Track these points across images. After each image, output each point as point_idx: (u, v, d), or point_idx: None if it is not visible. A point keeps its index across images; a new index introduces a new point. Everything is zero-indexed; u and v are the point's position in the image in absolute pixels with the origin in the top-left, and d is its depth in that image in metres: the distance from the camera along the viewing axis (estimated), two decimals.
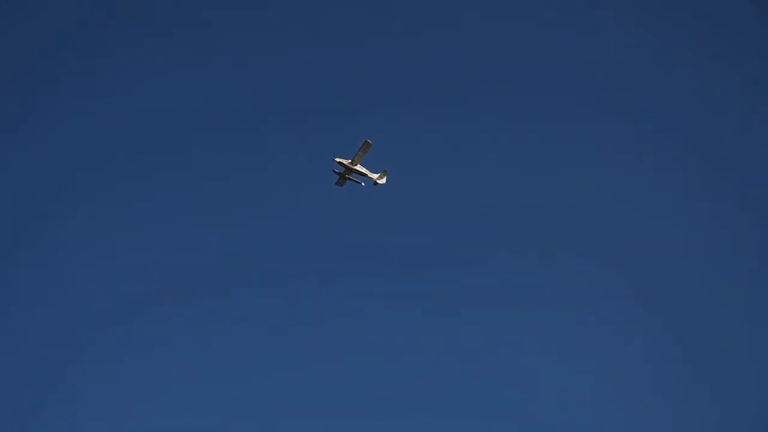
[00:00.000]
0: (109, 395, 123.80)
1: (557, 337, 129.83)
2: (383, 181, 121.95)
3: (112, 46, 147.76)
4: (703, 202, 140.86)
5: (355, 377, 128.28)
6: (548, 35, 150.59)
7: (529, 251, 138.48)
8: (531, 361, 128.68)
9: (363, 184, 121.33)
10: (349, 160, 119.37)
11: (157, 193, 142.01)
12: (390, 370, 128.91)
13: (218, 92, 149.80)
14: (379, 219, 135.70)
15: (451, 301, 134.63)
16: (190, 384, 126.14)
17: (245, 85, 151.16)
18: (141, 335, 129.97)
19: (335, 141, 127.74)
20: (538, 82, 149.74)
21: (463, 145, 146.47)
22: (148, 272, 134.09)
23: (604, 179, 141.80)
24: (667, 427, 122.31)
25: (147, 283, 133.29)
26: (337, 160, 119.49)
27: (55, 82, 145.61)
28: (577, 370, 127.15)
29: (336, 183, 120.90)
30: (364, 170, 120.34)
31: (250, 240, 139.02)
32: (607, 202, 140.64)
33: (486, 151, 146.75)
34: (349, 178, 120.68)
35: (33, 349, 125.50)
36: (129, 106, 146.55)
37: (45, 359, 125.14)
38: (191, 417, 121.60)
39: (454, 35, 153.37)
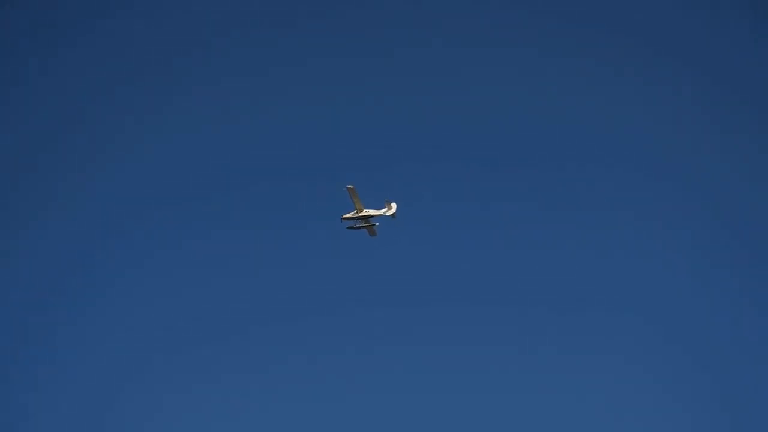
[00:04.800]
0: None
1: None
2: (393, 210, 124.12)
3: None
4: None
5: None
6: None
7: None
8: None
9: (378, 224, 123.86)
10: (354, 212, 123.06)
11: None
12: None
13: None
14: None
15: None
16: None
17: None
18: None
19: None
20: None
21: None
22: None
23: None
24: None
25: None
26: (344, 217, 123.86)
27: None
28: None
29: (369, 235, 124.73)
30: (371, 212, 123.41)
31: None
32: None
33: None
34: (367, 225, 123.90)
35: None
36: None
37: None
38: None
39: None
